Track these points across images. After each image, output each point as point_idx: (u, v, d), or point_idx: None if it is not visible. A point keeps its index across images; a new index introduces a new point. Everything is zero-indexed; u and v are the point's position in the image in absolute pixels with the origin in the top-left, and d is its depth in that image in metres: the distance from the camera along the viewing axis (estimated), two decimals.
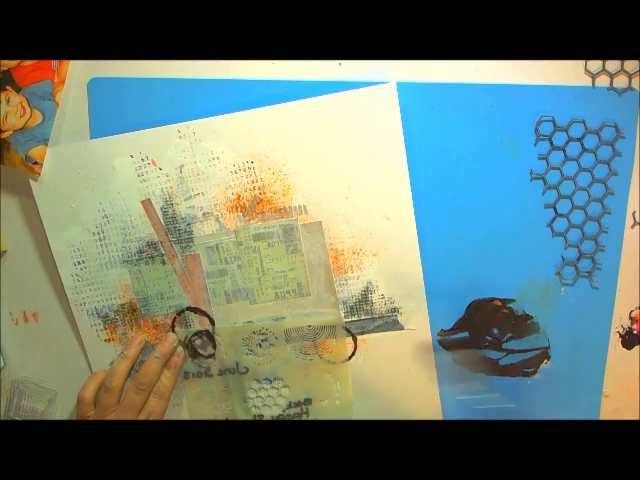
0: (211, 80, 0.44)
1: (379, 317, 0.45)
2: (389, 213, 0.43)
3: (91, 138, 0.44)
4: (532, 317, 0.46)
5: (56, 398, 0.49)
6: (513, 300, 0.46)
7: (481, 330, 0.47)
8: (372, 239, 0.44)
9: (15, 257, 0.47)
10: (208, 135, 0.42)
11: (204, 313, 0.46)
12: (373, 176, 0.43)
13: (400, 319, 0.45)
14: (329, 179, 0.43)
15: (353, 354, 0.46)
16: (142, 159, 0.43)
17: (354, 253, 0.44)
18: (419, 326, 0.45)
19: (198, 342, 0.46)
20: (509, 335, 0.47)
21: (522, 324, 0.46)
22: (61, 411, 0.49)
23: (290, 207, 0.44)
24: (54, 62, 0.42)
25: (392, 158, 0.43)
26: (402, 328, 0.46)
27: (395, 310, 0.45)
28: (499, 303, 0.46)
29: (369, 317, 0.45)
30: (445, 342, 0.47)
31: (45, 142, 0.43)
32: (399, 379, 0.46)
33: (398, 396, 0.47)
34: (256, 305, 0.45)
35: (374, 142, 0.42)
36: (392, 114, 0.42)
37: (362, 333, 0.46)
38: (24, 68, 0.42)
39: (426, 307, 0.45)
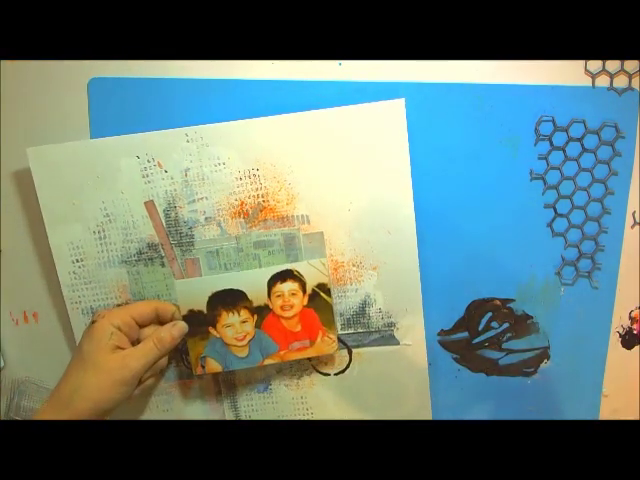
0: (211, 80, 0.44)
1: (375, 331, 0.45)
2: (391, 227, 0.43)
3: (91, 138, 0.44)
4: (532, 317, 0.46)
5: None
6: (513, 300, 0.46)
7: (481, 330, 0.47)
8: (372, 252, 0.44)
9: (16, 257, 0.47)
10: (215, 140, 0.42)
11: None
12: (377, 190, 0.43)
13: (396, 334, 0.45)
14: (333, 191, 0.43)
15: (347, 367, 0.46)
16: (148, 160, 0.43)
17: (354, 265, 0.44)
18: (415, 342, 0.45)
19: None
20: (509, 335, 0.47)
21: (522, 324, 0.47)
22: None
23: (293, 216, 0.44)
24: None
25: (397, 173, 0.43)
26: (398, 343, 0.45)
27: (392, 325, 0.45)
28: (499, 303, 0.46)
29: (365, 330, 0.45)
30: (445, 342, 0.47)
31: None
32: (392, 394, 0.46)
33: (390, 411, 0.47)
34: None
35: (380, 156, 0.42)
36: (399, 130, 0.42)
37: (357, 346, 0.46)
38: None
39: (423, 323, 0.45)
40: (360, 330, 0.45)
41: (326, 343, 0.43)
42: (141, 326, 0.42)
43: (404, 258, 0.44)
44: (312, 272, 0.42)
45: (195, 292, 0.42)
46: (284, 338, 0.43)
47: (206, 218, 0.44)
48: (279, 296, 0.42)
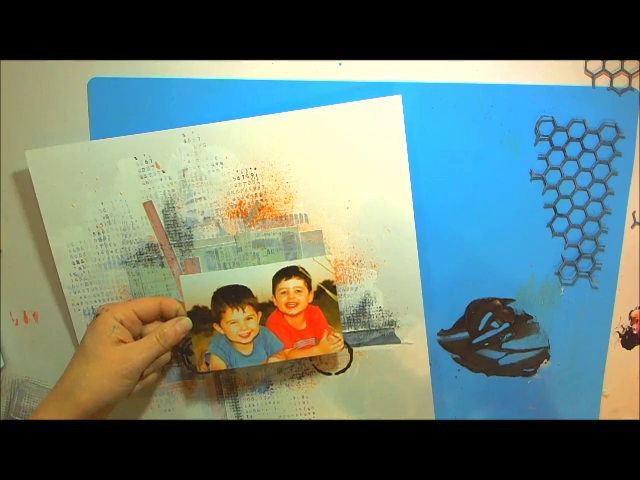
0: (211, 80, 0.44)
1: (376, 329, 0.45)
2: (390, 225, 0.43)
3: (91, 138, 0.44)
4: (532, 317, 0.46)
5: None
6: (513, 300, 0.46)
7: (481, 330, 0.47)
8: (372, 250, 0.44)
9: (16, 257, 0.47)
10: (213, 140, 0.42)
11: None
12: (375, 187, 0.43)
13: (397, 332, 0.45)
14: (331, 189, 0.43)
15: (348, 366, 0.46)
16: (146, 161, 0.43)
17: (353, 264, 0.44)
18: (416, 340, 0.45)
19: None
20: (509, 335, 0.47)
21: (522, 324, 0.47)
22: None
23: (291, 215, 0.44)
24: None
25: (395, 170, 0.43)
26: (399, 342, 0.45)
27: (392, 323, 0.45)
28: (499, 303, 0.46)
29: (366, 329, 0.45)
30: (445, 342, 0.47)
31: None
32: (394, 393, 0.46)
33: (392, 410, 0.47)
34: None
35: (378, 154, 0.42)
36: (396, 127, 0.42)
37: (358, 345, 0.46)
38: None
39: (424, 321, 0.45)
40: (361, 329, 0.45)
41: (332, 342, 0.43)
42: (145, 322, 0.42)
43: (403, 256, 0.44)
44: (317, 269, 0.42)
45: (200, 288, 0.42)
46: (289, 336, 0.43)
47: (205, 218, 0.44)
48: (284, 293, 0.42)
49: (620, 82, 0.43)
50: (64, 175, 0.43)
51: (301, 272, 0.42)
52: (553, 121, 0.43)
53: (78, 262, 0.44)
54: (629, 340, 0.47)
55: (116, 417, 0.45)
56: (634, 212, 0.45)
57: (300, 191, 0.43)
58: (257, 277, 0.42)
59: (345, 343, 0.45)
